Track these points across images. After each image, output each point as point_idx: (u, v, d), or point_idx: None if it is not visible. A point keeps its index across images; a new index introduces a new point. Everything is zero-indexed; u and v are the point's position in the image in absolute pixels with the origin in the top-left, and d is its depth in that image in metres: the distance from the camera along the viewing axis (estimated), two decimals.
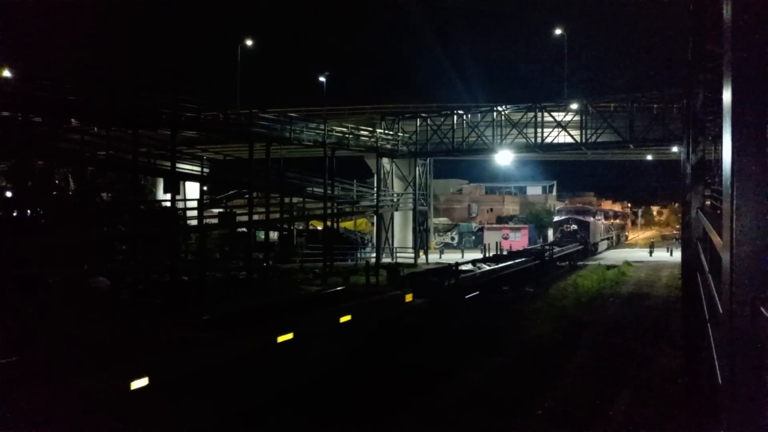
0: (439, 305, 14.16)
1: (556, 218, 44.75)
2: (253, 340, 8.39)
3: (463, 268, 17.80)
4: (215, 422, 7.33)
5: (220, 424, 7.42)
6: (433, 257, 38.07)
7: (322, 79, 39.21)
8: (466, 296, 16.89)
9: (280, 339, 8.65)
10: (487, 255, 28.73)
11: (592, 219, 42.54)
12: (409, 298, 12.81)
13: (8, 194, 23.95)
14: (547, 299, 19.94)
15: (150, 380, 6.32)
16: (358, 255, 37.26)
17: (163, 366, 6.72)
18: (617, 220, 64.26)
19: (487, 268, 19.96)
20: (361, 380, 9.94)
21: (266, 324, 9.04)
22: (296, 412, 8.31)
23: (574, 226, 39.68)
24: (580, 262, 34.52)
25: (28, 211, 21.79)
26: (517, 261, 23.30)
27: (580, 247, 37.26)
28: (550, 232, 46.97)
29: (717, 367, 3.12)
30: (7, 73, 28.61)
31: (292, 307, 10.80)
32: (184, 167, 25.34)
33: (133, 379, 6.21)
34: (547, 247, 30.21)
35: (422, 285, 14.45)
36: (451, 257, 36.44)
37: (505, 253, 29.33)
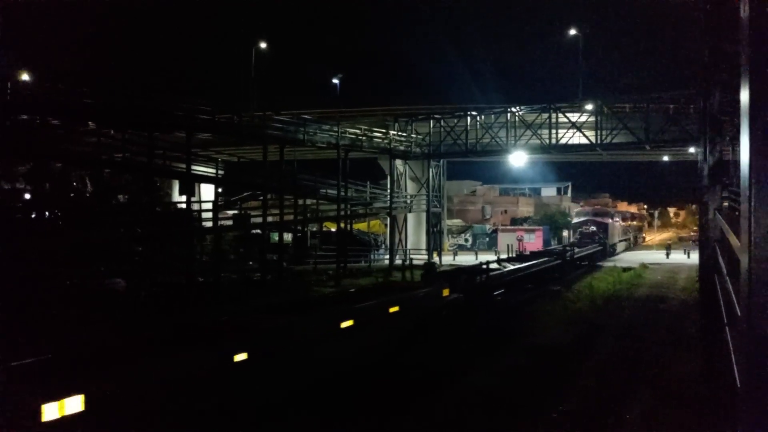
0: (472, 300, 15.33)
1: (575, 220, 46.17)
2: (322, 325, 9.65)
3: (491, 266, 18.78)
4: (293, 390, 8.40)
5: (297, 394, 8.41)
6: (447, 259, 37.99)
7: (335, 81, 39.29)
8: (495, 293, 18.08)
9: (343, 325, 9.78)
10: (509, 255, 29.55)
11: (610, 221, 43.67)
12: (446, 293, 14.09)
13: (27, 196, 24.32)
14: (569, 297, 20.07)
15: (248, 355, 7.52)
16: (372, 257, 37.29)
17: (256, 343, 7.96)
18: (634, 222, 65.61)
19: (512, 267, 20.95)
20: (409, 364, 10.98)
21: (330, 311, 10.64)
22: (360, 387, 9.37)
23: (593, 228, 40.93)
24: (599, 263, 34.97)
25: (46, 213, 22.11)
26: (540, 261, 24.15)
27: (599, 248, 38.10)
28: (567, 233, 47.34)
29: (735, 371, 3.08)
30: (25, 77, 29.05)
31: (346, 299, 12.38)
32: (199, 169, 25.57)
33: (236, 353, 7.41)
34: (568, 248, 31.20)
35: (457, 281, 15.49)
36: (464, 259, 36.45)
37: (527, 253, 30.13)
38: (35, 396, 5.40)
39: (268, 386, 8.01)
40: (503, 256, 30.25)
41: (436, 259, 36.46)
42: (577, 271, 29.42)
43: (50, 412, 5.35)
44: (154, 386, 6.41)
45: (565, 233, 54.40)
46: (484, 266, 17.95)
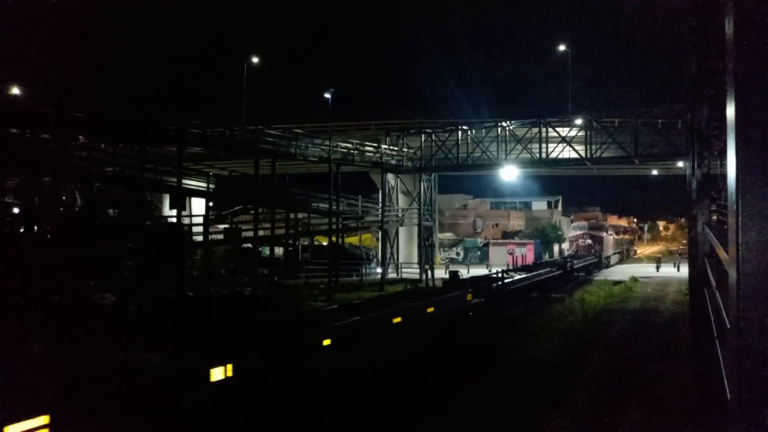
0: (491, 303, 18.05)
1: (571, 233, 49.11)
2: (379, 320, 11.94)
3: (494, 276, 21.30)
4: (361, 371, 10.64)
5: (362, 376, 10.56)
6: (439, 273, 37.94)
7: (327, 95, 39.49)
8: (508, 298, 20.60)
9: (394, 321, 12.20)
10: (515, 266, 31.81)
11: (605, 234, 46.87)
12: (470, 297, 16.69)
13: (15, 210, 24.10)
14: (563, 312, 20.89)
15: (333, 341, 9.76)
16: (364, 270, 37.18)
17: (335, 332, 10.03)
18: (626, 236, 68.99)
19: (521, 276, 23.63)
20: (446, 355, 13.41)
21: (382, 310, 12.90)
22: (408, 369, 11.86)
23: (589, 241, 44.40)
24: (590, 277, 37.06)
25: (35, 227, 21.91)
26: (544, 271, 27.08)
27: (594, 260, 41.35)
28: (558, 247, 48.61)
29: (726, 384, 3.09)
30: (15, 90, 28.94)
31: (390, 301, 14.79)
32: (191, 183, 25.45)
33: (323, 339, 9.70)
34: (568, 260, 34.09)
35: (479, 288, 17.91)
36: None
37: (530, 264, 33.30)
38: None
39: (344, 368, 10.22)
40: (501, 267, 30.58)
41: (427, 273, 36.44)
42: (576, 281, 32.27)
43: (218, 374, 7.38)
44: (278, 357, 8.69)
45: (556, 247, 54.59)
46: (500, 275, 20.65)
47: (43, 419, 5.53)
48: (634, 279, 32.90)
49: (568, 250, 48.76)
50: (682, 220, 78.94)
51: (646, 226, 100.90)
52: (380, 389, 10.32)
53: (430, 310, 14.01)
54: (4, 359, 8.11)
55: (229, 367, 7.39)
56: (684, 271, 26.89)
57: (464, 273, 30.93)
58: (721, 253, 3.63)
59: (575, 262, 34.09)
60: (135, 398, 6.52)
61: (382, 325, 11.82)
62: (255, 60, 41.47)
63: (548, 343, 15.38)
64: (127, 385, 6.68)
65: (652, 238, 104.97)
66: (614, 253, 51.23)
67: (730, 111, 1.64)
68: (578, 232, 47.67)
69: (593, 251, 42.99)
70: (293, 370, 8.86)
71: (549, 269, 27.95)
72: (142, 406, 6.47)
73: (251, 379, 7.90)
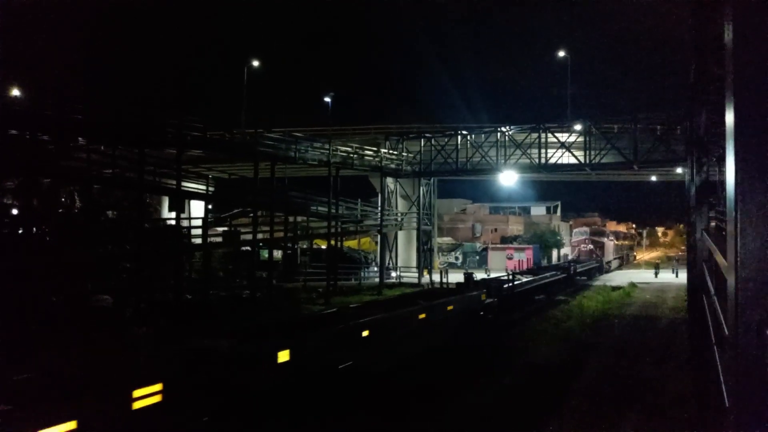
0: (502, 303, 19.78)
1: (573, 238, 49.78)
2: (408, 316, 13.59)
3: (504, 278, 23.04)
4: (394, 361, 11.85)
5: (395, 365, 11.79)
6: (437, 277, 37.89)
7: (327, 99, 39.53)
8: (517, 299, 22.20)
9: (420, 317, 13.75)
10: (521, 270, 33.37)
11: (605, 240, 48.35)
12: (484, 297, 18.39)
13: (14, 212, 24.04)
14: (561, 317, 21.39)
15: (370, 332, 11.22)
16: (362, 274, 37.14)
17: (371, 326, 11.44)
18: (626, 241, 70.89)
19: (528, 279, 25.31)
20: (466, 348, 14.94)
21: (409, 307, 14.29)
22: (433, 360, 13.14)
23: (591, 246, 46.46)
24: (596, 276, 39.33)
25: (34, 229, 21.85)
26: (550, 274, 28.86)
27: (596, 264, 43.22)
28: (557, 252, 49.17)
29: (724, 391, 3.08)
30: (16, 92, 28.93)
31: (410, 300, 16.39)
32: (190, 186, 25.42)
33: (363, 331, 11.17)
34: (571, 264, 35.65)
35: (491, 289, 19.63)
36: (456, 277, 36.33)
37: (536, 268, 35.48)
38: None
39: (380, 356, 11.54)
40: (500, 272, 30.80)
41: (426, 277, 36.41)
42: (579, 284, 33.83)
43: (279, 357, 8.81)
44: (326, 345, 10.13)
45: (554, 252, 54.59)
46: (510, 277, 22.40)
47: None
48: (633, 285, 32.89)
49: (570, 254, 50.27)
50: (681, 226, 79.02)
51: (644, 232, 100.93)
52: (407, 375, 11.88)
53: (450, 308, 15.64)
54: (30, 365, 8.39)
55: (287, 352, 8.85)
56: (682, 277, 26.89)
57: (461, 278, 31.38)
58: (720, 260, 3.63)
59: (578, 266, 35.51)
60: (223, 375, 7.93)
61: (410, 320, 13.44)
62: (255, 63, 41.53)
63: (547, 348, 15.40)
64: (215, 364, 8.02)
65: (651, 243, 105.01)
66: (614, 258, 53.07)
67: (729, 118, 1.64)
68: (580, 238, 50.09)
69: (595, 256, 44.74)
70: (338, 356, 10.38)
71: (554, 273, 29.59)
72: (229, 382, 7.90)
73: (306, 362, 9.34)
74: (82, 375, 7.24)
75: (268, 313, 20.74)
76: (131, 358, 9.08)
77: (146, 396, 6.54)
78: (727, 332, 2.08)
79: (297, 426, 8.56)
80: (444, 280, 33.18)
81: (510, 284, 21.50)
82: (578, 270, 34.87)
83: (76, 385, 6.52)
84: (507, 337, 17.55)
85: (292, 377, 8.82)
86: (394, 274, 37.33)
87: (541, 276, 27.14)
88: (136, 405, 6.43)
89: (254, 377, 8.44)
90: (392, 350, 12.22)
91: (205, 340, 9.22)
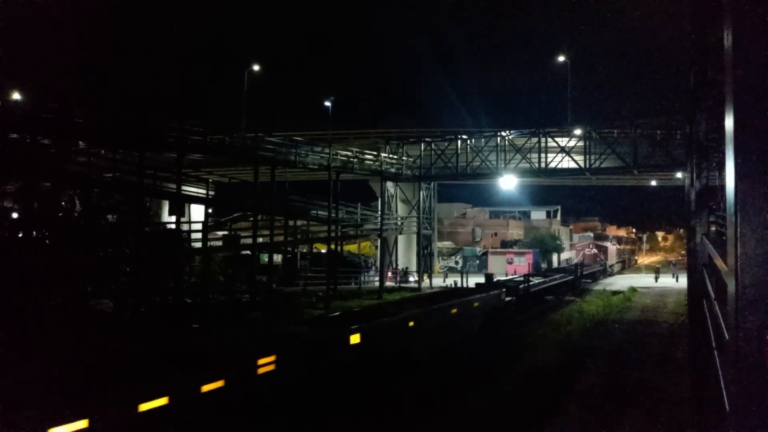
0: (519, 301, 22.36)
1: (579, 243, 57.48)
2: (441, 311, 15.58)
3: (520, 279, 25.91)
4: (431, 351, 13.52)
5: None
6: (437, 281, 37.87)
7: (327, 103, 39.53)
8: (531, 298, 24.67)
9: (452, 311, 15.97)
10: (532, 272, 36.40)
11: (609, 244, 52.71)
12: (503, 295, 20.82)
13: (14, 215, 24.02)
14: (562, 321, 21.70)
15: (414, 323, 13.64)
16: (362, 278, 37.11)
17: (417, 316, 13.90)
18: (627, 246, 73.69)
19: (540, 280, 27.98)
20: (489, 340, 17.13)
21: (441, 303, 16.39)
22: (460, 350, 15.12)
23: (595, 250, 50.87)
24: (600, 278, 42.11)
25: (34, 232, 21.83)
26: (558, 276, 31.75)
27: (600, 268, 46.64)
28: (557, 256, 50.16)
29: (725, 395, 3.08)
30: (16, 96, 28.95)
31: (436, 298, 18.35)
32: (190, 190, 25.43)
33: (409, 321, 13.58)
34: (577, 267, 38.02)
35: (509, 288, 22.26)
36: (450, 281, 36.38)
37: (546, 270, 39.11)
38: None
39: (423, 341, 13.58)
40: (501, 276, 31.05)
41: (426, 281, 36.39)
42: (585, 286, 36.01)
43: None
44: (384, 331, 12.55)
45: (555, 256, 54.56)
46: (526, 278, 25.37)
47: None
48: (633, 289, 32.86)
49: (575, 258, 53.40)
50: (681, 230, 79.01)
51: (644, 237, 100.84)
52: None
53: (476, 304, 18.03)
54: (44, 365, 8.82)
55: (358, 335, 11.13)
56: (683, 281, 26.86)
57: (459, 282, 31.61)
58: (720, 264, 3.63)
59: (583, 269, 38.43)
60: (312, 352, 10.26)
61: (445, 314, 15.66)
62: (256, 67, 41.57)
63: (542, 352, 15.43)
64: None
65: (651, 248, 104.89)
66: (617, 262, 56.23)
67: (729, 122, 1.65)
68: (585, 242, 54.16)
69: (599, 260, 48.77)
70: (393, 340, 12.68)
71: (562, 275, 32.45)
72: (316, 357, 10.15)
73: (370, 345, 11.50)
74: (228, 346, 10.53)
75: (269, 316, 20.76)
76: (253, 335, 13.01)
77: (266, 364, 8.82)
78: (727, 336, 2.08)
79: (366, 392, 10.63)
80: (447, 284, 33.94)
81: (525, 285, 24.22)
82: (584, 273, 37.49)
83: (224, 353, 9.44)
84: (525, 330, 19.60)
85: (361, 356, 11.21)
86: (412, 279, 37.52)
87: (551, 278, 29.73)
88: (260, 371, 8.77)
89: (333, 354, 10.73)
90: (432, 338, 14.57)
91: (290, 326, 12.56)
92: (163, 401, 6.94)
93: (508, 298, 20.97)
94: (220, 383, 7.80)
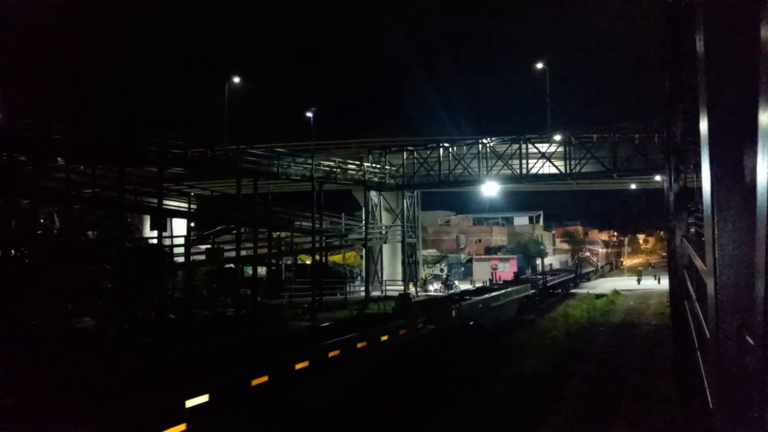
0: (540, 293, 28.71)
1: (572, 247, 68.14)
2: (485, 301, 19.69)
3: (539, 277, 33.31)
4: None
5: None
6: (424, 289, 37.83)
7: (309, 114, 39.52)
8: (547, 290, 31.45)
9: (497, 302, 20.75)
10: (541, 270, 43.64)
11: (599, 248, 64.58)
12: (529, 288, 26.37)
13: None
14: (544, 326, 21.60)
15: (482, 305, 18.96)
16: (348, 289, 36.97)
17: (484, 300, 19.31)
18: (613, 249, 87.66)
19: (551, 277, 34.18)
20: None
21: (483, 295, 20.57)
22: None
23: (587, 254, 64.79)
24: (593, 277, 51.57)
25: (12, 251, 21.45)
26: (564, 274, 39.82)
27: (593, 268, 57.89)
28: (541, 261, 50.97)
29: (708, 394, 3.12)
30: None
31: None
32: (171, 204, 25.19)
33: (479, 305, 18.85)
34: (577, 267, 48.90)
35: (533, 283, 28.27)
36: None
37: (555, 270, 45.51)
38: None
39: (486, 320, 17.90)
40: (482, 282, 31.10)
41: (411, 289, 36.36)
42: (582, 281, 44.94)
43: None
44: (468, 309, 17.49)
45: (538, 261, 54.87)
46: (541, 276, 32.43)
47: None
48: (616, 292, 33.15)
49: (570, 261, 61.55)
50: (661, 232, 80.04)
51: (626, 239, 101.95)
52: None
53: (514, 296, 23.05)
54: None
55: (454, 311, 15.94)
56: (665, 283, 27.16)
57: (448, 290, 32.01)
58: (699, 264, 3.69)
59: (581, 269, 49.03)
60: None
61: (494, 303, 20.17)
62: (236, 80, 41.43)
63: (528, 359, 15.46)
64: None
65: (633, 250, 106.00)
66: (606, 264, 67.25)
67: (703, 126, 1.69)
68: (578, 246, 67.46)
69: (591, 261, 60.15)
70: (472, 316, 16.85)
71: (567, 273, 41.12)
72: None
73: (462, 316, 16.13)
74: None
75: (254, 330, 20.51)
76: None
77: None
78: (708, 336, 2.11)
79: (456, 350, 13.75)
80: (435, 292, 34.98)
81: (543, 280, 31.00)
82: (582, 272, 48.66)
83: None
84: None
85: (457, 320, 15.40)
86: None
87: (560, 276, 37.70)
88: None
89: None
90: (490, 317, 19.01)
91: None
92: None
93: (532, 290, 26.64)
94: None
